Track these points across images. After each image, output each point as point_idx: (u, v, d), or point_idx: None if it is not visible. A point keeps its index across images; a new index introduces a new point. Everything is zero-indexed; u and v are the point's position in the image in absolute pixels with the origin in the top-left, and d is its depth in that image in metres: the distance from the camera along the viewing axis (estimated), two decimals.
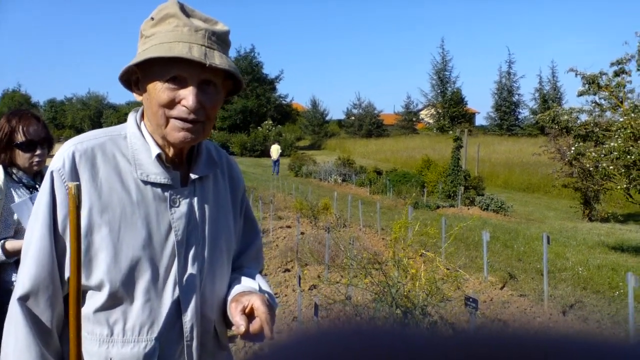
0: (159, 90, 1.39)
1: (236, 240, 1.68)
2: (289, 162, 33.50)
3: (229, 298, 1.55)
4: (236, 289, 1.57)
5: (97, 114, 75.30)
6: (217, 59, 1.38)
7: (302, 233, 10.27)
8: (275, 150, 32.42)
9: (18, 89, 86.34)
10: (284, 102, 61.96)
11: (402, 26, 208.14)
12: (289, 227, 11.52)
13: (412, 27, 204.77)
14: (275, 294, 6.72)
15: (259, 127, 50.20)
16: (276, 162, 31.50)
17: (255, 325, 1.41)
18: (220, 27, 1.48)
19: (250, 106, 54.20)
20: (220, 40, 1.45)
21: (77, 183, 1.26)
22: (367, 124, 59.93)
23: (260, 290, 1.55)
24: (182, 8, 1.44)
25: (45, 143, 2.86)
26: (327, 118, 63.66)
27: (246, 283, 1.59)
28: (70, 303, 1.30)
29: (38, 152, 2.82)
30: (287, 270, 7.97)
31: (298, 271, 5.48)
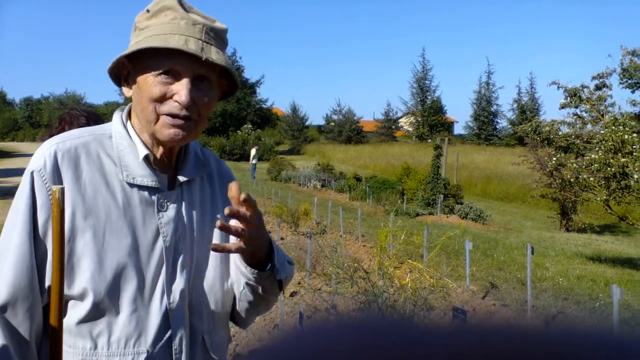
0: (151, 84, 1.30)
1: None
2: (268, 166, 33.30)
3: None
4: None
5: None
6: (213, 54, 1.31)
7: (282, 238, 10.18)
8: (252, 153, 31.89)
9: None
10: (264, 106, 61.76)
11: (384, 34, 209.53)
12: (268, 232, 11.40)
13: (393, 35, 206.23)
14: None
15: (238, 131, 49.93)
16: (254, 165, 31.11)
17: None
18: (218, 24, 1.41)
19: (230, 109, 53.86)
20: (218, 37, 1.38)
21: (62, 186, 1.17)
22: (346, 130, 59.98)
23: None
24: (180, 2, 1.36)
25: None
26: (307, 123, 63.64)
27: None
28: (52, 315, 1.20)
29: None
30: None
31: None
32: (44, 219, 1.30)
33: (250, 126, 50.68)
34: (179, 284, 1.38)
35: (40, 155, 1.33)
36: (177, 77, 1.31)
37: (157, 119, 1.32)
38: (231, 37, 1.46)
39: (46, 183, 1.29)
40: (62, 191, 1.16)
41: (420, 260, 7.86)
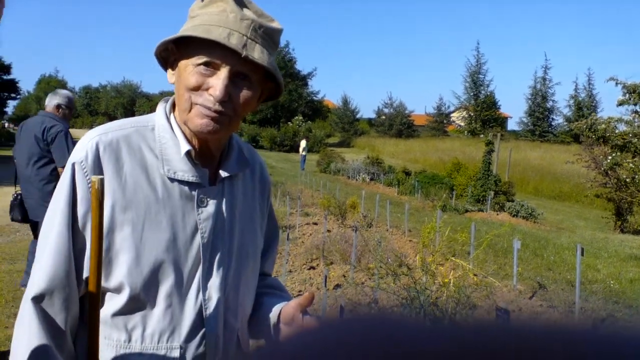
0: (189, 73, 1.29)
1: (262, 243, 1.59)
2: (318, 158, 33.39)
3: (276, 315, 1.48)
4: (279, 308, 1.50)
5: (131, 102, 76.34)
6: (256, 53, 1.27)
7: (329, 231, 10.20)
8: (302, 145, 32.25)
9: (55, 74, 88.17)
10: (315, 98, 61.91)
11: (437, 28, 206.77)
12: (315, 223, 11.46)
13: (447, 28, 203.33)
14: (300, 291, 6.67)
15: (289, 123, 50.22)
16: (303, 157, 31.34)
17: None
18: (273, 24, 1.37)
19: (281, 101, 54.17)
20: (268, 36, 1.33)
21: (101, 177, 1.17)
22: (397, 123, 59.55)
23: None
24: None
25: None
26: (358, 116, 63.52)
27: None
28: (90, 306, 1.23)
29: None
30: (312, 267, 7.91)
31: (325, 271, 5.40)
32: (83, 211, 1.30)
33: (301, 118, 50.94)
34: (215, 281, 1.38)
35: (82, 146, 1.32)
36: (215, 70, 1.28)
37: (191, 108, 1.30)
38: (284, 29, 1.42)
39: (87, 175, 1.29)
40: (102, 182, 1.16)
41: (467, 257, 7.76)
